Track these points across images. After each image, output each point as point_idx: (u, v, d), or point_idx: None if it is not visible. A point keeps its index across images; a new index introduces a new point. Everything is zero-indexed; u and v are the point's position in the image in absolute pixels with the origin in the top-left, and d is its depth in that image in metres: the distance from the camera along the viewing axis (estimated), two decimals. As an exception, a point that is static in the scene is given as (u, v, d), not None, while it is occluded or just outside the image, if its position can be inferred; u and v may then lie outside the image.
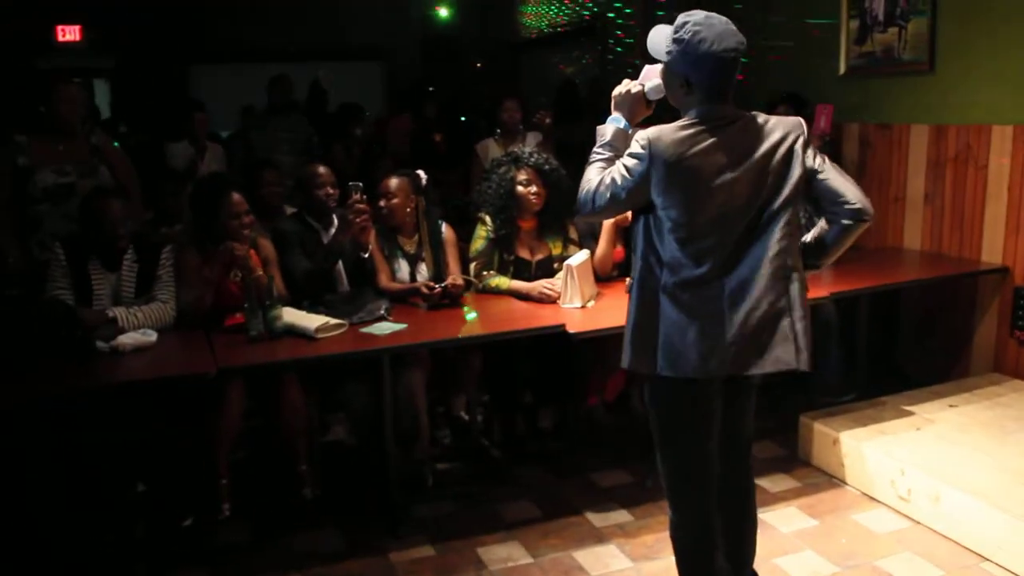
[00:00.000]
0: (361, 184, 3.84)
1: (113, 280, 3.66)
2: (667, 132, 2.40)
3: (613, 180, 2.47)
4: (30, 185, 4.11)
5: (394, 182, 4.11)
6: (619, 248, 4.25)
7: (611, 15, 8.27)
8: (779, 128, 2.45)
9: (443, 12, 11.36)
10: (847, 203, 2.46)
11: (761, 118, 2.47)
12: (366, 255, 3.96)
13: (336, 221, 4.04)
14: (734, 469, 2.71)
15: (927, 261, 4.79)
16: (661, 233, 2.44)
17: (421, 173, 4.21)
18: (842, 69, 5.29)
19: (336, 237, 3.91)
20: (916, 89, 4.88)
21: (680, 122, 2.44)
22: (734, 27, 2.40)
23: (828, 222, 2.55)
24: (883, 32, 5.00)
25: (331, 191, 4.08)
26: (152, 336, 3.43)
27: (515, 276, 4.14)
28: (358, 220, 3.80)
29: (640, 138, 2.41)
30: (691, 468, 2.59)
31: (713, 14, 2.40)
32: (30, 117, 4.22)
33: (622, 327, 2.60)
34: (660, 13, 7.23)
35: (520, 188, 4.10)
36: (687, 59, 2.39)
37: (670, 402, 2.54)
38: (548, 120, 5.79)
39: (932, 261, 4.76)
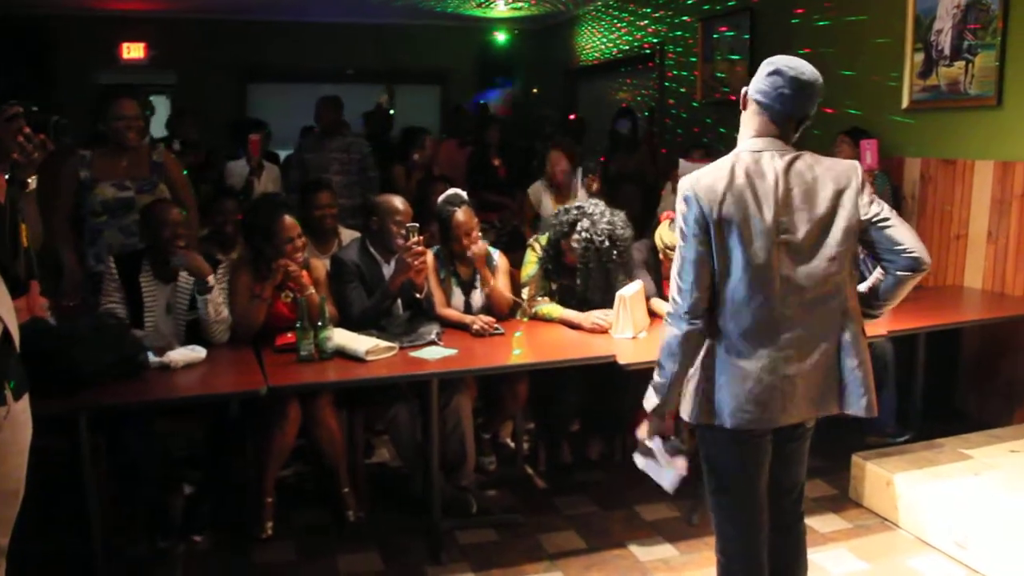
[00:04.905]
0: (417, 225, 3.86)
1: (167, 292, 3.74)
2: (706, 171, 2.40)
3: (679, 259, 2.41)
4: (90, 197, 4.21)
5: (467, 216, 4.09)
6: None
7: (669, 45, 8.26)
8: (834, 170, 2.43)
9: (500, 38, 11.44)
10: (904, 251, 2.40)
11: (814, 158, 2.45)
12: (421, 296, 3.97)
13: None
14: (787, 514, 2.68)
15: (989, 300, 4.70)
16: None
17: (457, 190, 4.23)
18: (905, 103, 5.23)
19: (393, 280, 3.89)
20: (982, 124, 4.81)
21: (720, 160, 2.43)
22: (816, 70, 2.41)
23: (884, 270, 2.49)
24: (949, 66, 4.94)
25: (403, 231, 3.95)
26: (201, 352, 3.49)
27: (563, 302, 4.17)
28: (415, 263, 3.82)
29: (681, 189, 2.40)
30: (741, 513, 2.56)
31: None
32: (94, 133, 4.32)
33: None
34: (715, 36, 7.26)
35: (563, 243, 4.13)
36: (761, 80, 2.42)
37: (722, 450, 2.52)
38: (595, 186, 5.78)
39: (994, 301, 4.67)
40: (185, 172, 4.74)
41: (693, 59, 7.76)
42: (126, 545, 3.56)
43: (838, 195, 2.40)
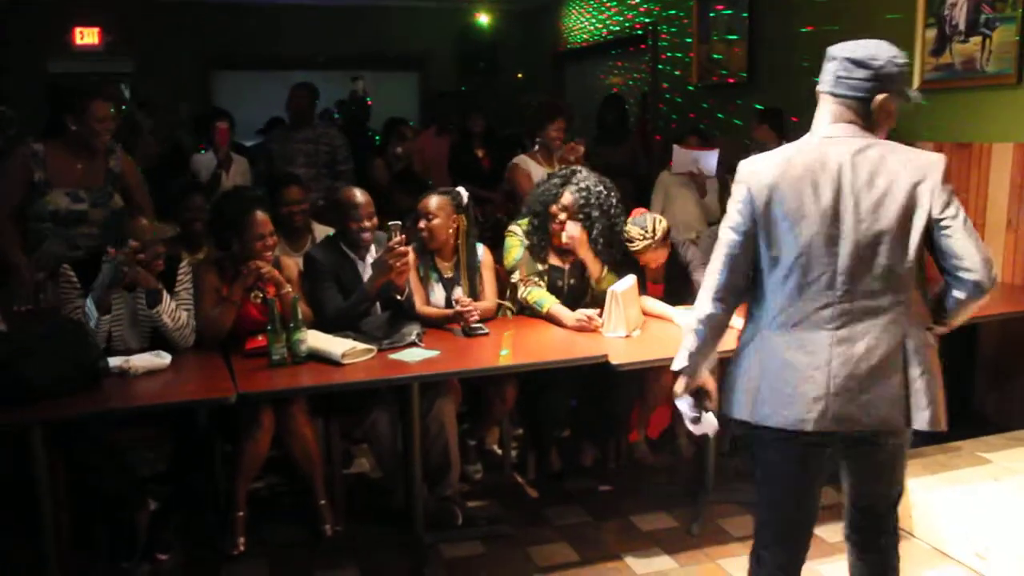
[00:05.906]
0: (401, 223, 3.84)
1: (130, 300, 3.72)
2: (763, 157, 2.43)
3: (725, 233, 2.46)
4: (40, 203, 4.19)
5: (434, 201, 4.15)
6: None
7: (663, 25, 8.29)
8: (913, 162, 2.39)
9: (482, 19, 11.44)
10: (964, 268, 2.35)
11: (890, 146, 2.42)
12: (402, 298, 3.95)
13: (373, 249, 4.06)
14: (874, 537, 2.67)
15: (1009, 294, 4.68)
16: (761, 268, 2.44)
17: (462, 190, 4.26)
18: (915, 83, 5.25)
19: (372, 282, 3.89)
20: (1000, 104, 4.81)
21: (784, 145, 2.47)
22: (882, 46, 2.45)
23: (946, 284, 2.44)
24: (964, 42, 4.94)
25: (367, 224, 4.01)
26: (165, 359, 3.48)
27: (549, 286, 4.24)
28: (397, 264, 3.81)
29: (737, 171, 2.46)
30: (783, 522, 2.57)
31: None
32: (52, 127, 4.25)
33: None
34: (712, 15, 7.29)
35: (553, 207, 4.20)
36: (823, 71, 2.47)
37: (770, 453, 2.50)
38: (581, 149, 5.70)
39: (1014, 294, 4.67)
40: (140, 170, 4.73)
41: (688, 40, 7.78)
42: (87, 567, 3.56)
43: (913, 188, 2.35)
